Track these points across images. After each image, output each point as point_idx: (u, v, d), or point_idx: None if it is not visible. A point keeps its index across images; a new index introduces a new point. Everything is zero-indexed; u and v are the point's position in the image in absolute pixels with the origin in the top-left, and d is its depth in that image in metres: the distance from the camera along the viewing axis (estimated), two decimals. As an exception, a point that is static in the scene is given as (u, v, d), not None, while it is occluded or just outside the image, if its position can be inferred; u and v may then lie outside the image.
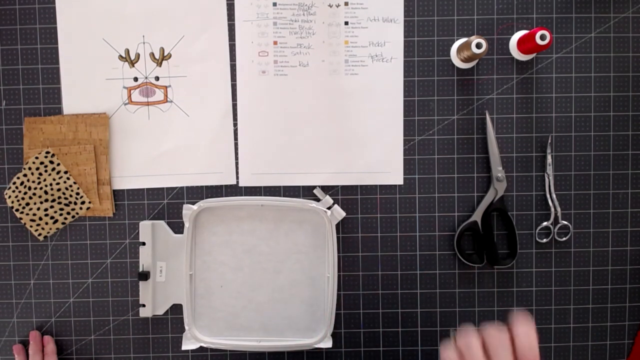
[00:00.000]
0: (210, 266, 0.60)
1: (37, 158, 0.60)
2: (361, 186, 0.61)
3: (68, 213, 0.60)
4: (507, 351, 0.35)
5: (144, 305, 0.60)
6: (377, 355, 0.62)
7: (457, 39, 0.60)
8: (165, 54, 0.60)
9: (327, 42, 0.60)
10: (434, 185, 0.61)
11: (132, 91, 0.60)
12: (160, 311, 0.61)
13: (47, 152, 0.60)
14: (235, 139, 0.61)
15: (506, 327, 0.37)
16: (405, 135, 0.61)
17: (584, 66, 0.61)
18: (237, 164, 0.61)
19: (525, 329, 0.36)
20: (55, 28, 0.60)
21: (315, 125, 0.60)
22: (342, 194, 0.61)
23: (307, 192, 0.61)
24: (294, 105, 0.60)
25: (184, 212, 0.59)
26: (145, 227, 0.59)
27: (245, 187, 0.61)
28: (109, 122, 0.60)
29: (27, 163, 0.60)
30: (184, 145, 0.61)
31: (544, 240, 0.61)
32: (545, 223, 0.61)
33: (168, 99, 0.60)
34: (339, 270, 0.61)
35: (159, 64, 0.60)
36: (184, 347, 0.59)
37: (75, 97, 0.60)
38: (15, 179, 0.60)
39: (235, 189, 0.61)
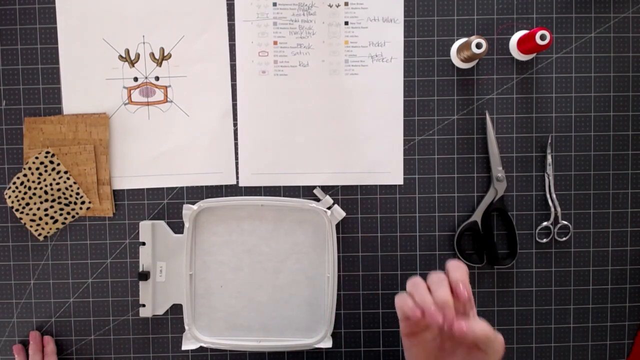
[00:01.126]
0: (210, 266, 0.60)
1: (37, 158, 0.60)
2: (361, 186, 0.61)
3: (68, 213, 0.60)
4: (445, 286, 0.42)
5: (144, 305, 0.60)
6: (377, 355, 0.62)
7: (457, 39, 0.60)
8: (165, 54, 0.60)
9: (327, 42, 0.60)
10: (434, 185, 0.61)
11: (132, 91, 0.60)
12: (160, 311, 0.61)
13: (47, 152, 0.60)
14: (235, 139, 0.61)
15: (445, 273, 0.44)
16: (405, 135, 0.61)
17: (584, 66, 0.61)
18: (237, 164, 0.61)
19: (455, 265, 0.43)
20: (55, 28, 0.60)
21: (315, 125, 0.60)
22: (342, 194, 0.61)
23: (307, 192, 0.61)
24: (294, 105, 0.60)
25: (184, 212, 0.59)
26: (145, 227, 0.59)
27: (245, 187, 0.61)
28: (109, 122, 0.60)
29: (27, 163, 0.60)
30: (184, 145, 0.61)
31: (544, 240, 0.61)
32: (545, 223, 0.61)
33: (168, 99, 0.60)
34: (339, 270, 0.61)
35: (159, 64, 0.60)
36: (184, 347, 0.59)
37: (75, 97, 0.60)
38: (15, 179, 0.60)
39: (235, 189, 0.61)
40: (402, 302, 0.42)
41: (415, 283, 0.43)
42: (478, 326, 0.40)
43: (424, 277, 0.44)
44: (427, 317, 0.41)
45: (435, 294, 0.41)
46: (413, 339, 0.45)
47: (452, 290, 0.42)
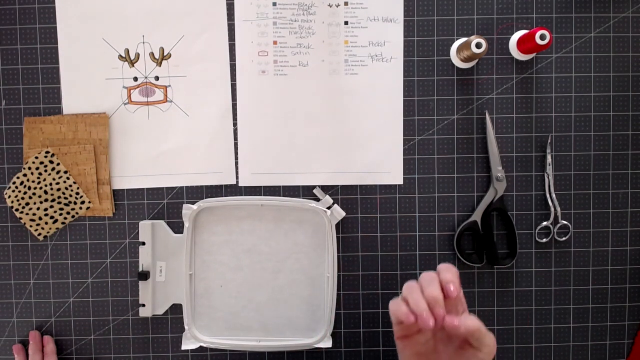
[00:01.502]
0: (210, 266, 0.60)
1: (37, 158, 0.60)
2: (361, 186, 0.61)
3: (68, 213, 0.60)
4: (436, 284, 0.43)
5: (144, 305, 0.60)
6: (377, 355, 0.62)
7: (457, 39, 0.60)
8: (165, 54, 0.60)
9: (327, 42, 0.60)
10: (434, 185, 0.61)
11: (132, 91, 0.60)
12: (160, 311, 0.61)
13: (47, 152, 0.60)
14: (235, 139, 0.61)
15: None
16: (405, 135, 0.61)
17: (584, 66, 0.61)
18: (237, 164, 0.61)
19: (446, 266, 0.45)
20: (55, 28, 0.60)
21: (315, 125, 0.60)
22: (342, 194, 0.61)
23: (307, 192, 0.61)
24: (294, 105, 0.60)
25: (184, 212, 0.59)
26: (145, 227, 0.59)
27: (245, 187, 0.61)
28: (109, 122, 0.60)
29: (27, 163, 0.60)
30: (184, 145, 0.61)
31: (544, 240, 0.61)
32: (545, 223, 0.61)
33: (168, 99, 0.60)
34: (339, 270, 0.61)
35: (159, 64, 0.60)
36: (184, 347, 0.59)
37: (75, 97, 0.60)
38: (15, 179, 0.60)
39: (235, 189, 0.61)
40: (397, 308, 0.43)
41: (410, 287, 0.44)
42: (469, 321, 0.41)
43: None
44: (419, 323, 0.42)
45: (427, 291, 0.43)
46: (406, 341, 0.46)
47: (443, 290, 0.43)
